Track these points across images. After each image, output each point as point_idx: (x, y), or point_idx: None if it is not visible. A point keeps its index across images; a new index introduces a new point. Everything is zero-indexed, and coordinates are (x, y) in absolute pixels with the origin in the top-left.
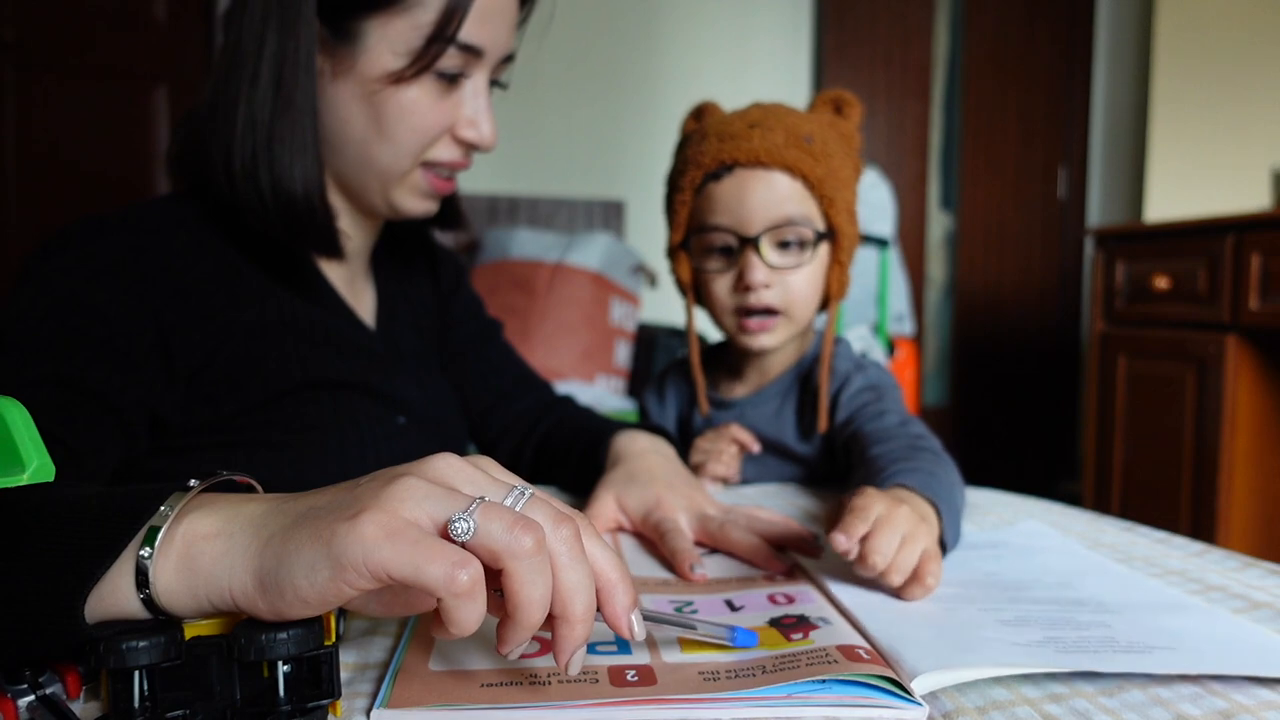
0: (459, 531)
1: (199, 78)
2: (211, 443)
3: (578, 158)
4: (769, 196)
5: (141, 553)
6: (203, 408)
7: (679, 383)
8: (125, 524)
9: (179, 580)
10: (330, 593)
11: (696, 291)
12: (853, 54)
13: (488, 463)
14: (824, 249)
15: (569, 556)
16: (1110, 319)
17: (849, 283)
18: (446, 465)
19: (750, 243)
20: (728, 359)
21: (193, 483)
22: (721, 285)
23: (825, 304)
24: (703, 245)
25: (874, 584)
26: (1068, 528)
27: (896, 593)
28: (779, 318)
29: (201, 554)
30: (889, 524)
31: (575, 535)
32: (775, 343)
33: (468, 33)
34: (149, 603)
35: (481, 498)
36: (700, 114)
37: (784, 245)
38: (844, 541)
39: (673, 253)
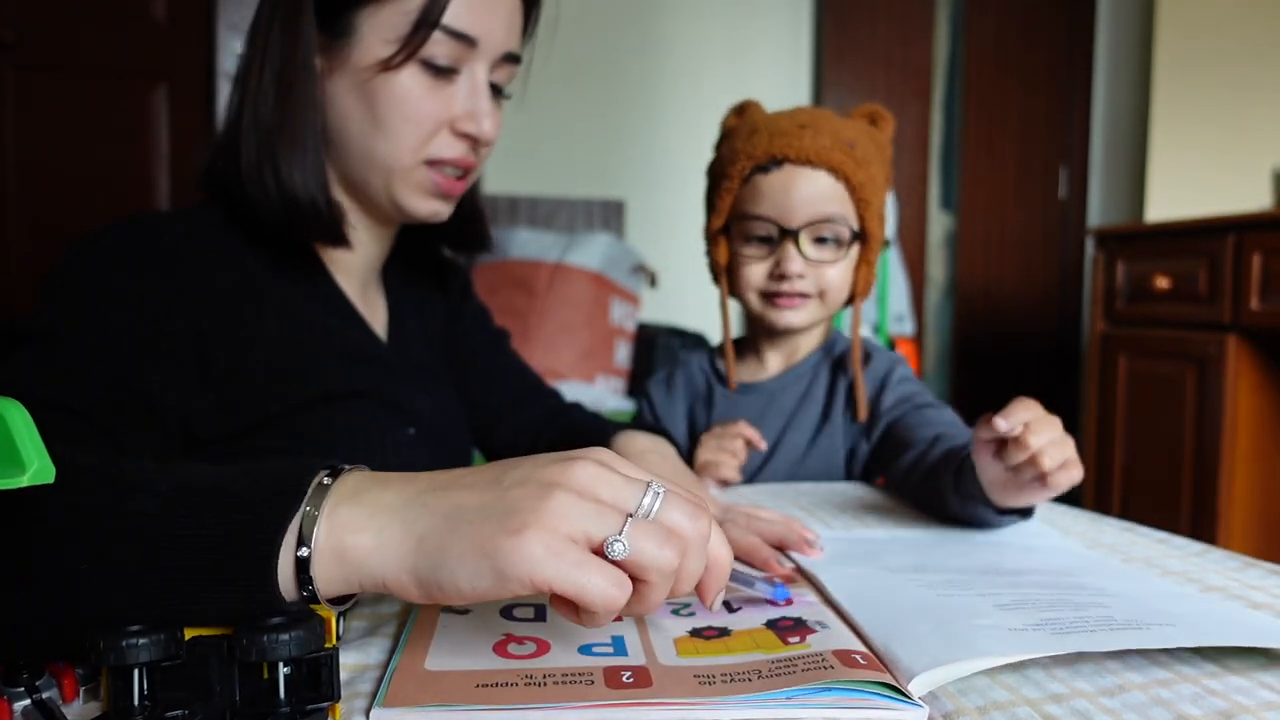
0: (615, 552)
1: (199, 78)
2: (230, 451)
3: (578, 158)
4: (813, 193)
5: (299, 553)
6: (225, 417)
7: (692, 377)
8: (280, 511)
9: (334, 569)
10: (491, 596)
11: (727, 275)
12: (853, 55)
13: (620, 463)
14: (855, 248)
15: (697, 551)
16: (1110, 319)
17: (874, 282)
18: (586, 473)
19: (791, 235)
20: (749, 347)
21: (325, 479)
22: (757, 271)
23: (849, 301)
24: (743, 232)
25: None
26: (1068, 528)
27: (1042, 478)
28: (810, 299)
29: (355, 547)
30: (1047, 421)
31: (707, 532)
32: (802, 322)
33: (457, 19)
34: (311, 596)
35: (630, 514)
36: (742, 110)
37: (820, 241)
38: (1004, 424)
39: (712, 237)
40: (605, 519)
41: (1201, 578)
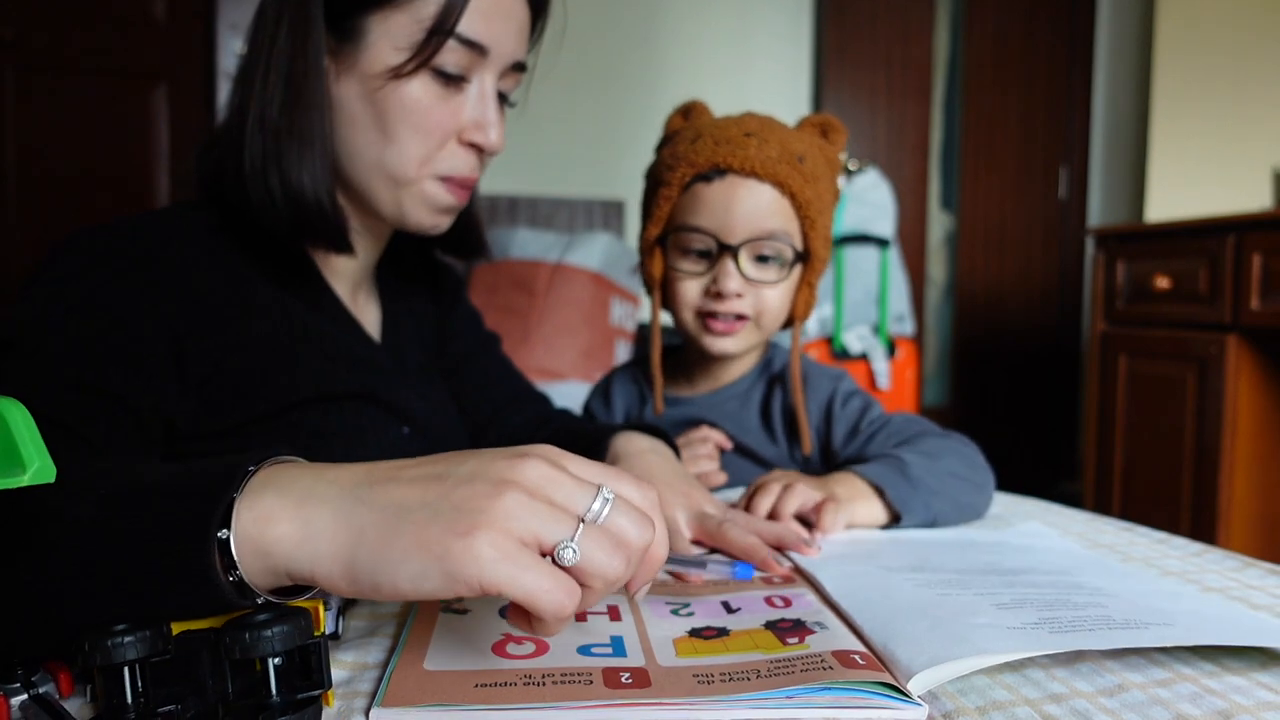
0: (566, 559)
1: (199, 78)
2: (219, 451)
3: (578, 158)
4: (755, 207)
5: (220, 534)
6: (210, 418)
7: (626, 385)
8: (205, 506)
9: (256, 559)
10: (432, 596)
11: (662, 288)
12: (853, 54)
13: (569, 459)
14: (798, 269)
15: (636, 560)
16: (1111, 319)
17: (814, 304)
18: (537, 472)
19: (730, 251)
20: (681, 363)
21: (252, 469)
22: (692, 288)
23: (789, 323)
24: (680, 244)
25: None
26: (1067, 528)
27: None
28: (746, 323)
29: (279, 537)
30: (764, 489)
31: (649, 541)
32: (738, 349)
33: (470, 28)
34: (240, 585)
35: (582, 519)
36: (688, 112)
37: (761, 259)
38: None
39: (648, 247)
40: (557, 523)
41: (1201, 578)
